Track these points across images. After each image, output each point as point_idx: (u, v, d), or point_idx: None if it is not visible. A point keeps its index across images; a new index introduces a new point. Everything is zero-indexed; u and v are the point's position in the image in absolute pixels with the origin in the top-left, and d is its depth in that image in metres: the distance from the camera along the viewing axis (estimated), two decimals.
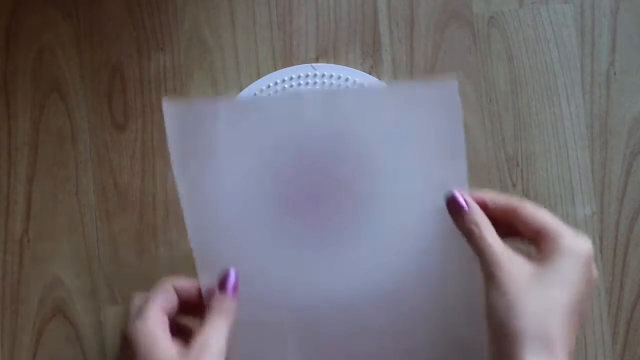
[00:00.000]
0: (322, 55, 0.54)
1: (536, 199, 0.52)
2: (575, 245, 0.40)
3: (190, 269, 0.44)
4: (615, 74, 0.54)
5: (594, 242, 0.52)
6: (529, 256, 0.41)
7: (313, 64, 0.53)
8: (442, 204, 0.44)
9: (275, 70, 0.53)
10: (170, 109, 0.46)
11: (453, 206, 0.43)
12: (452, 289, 0.46)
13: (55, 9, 0.53)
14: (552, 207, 0.52)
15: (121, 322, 0.51)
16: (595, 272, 0.41)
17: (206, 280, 0.45)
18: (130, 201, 0.52)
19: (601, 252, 0.52)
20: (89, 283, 0.51)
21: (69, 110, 0.52)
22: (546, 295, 0.38)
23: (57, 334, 0.51)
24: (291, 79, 0.53)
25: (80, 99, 0.53)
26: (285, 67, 0.53)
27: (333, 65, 0.53)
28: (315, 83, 0.53)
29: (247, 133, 0.47)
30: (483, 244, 0.41)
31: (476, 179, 0.53)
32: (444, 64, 0.53)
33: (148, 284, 0.51)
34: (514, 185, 0.53)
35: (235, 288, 0.43)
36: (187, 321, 0.44)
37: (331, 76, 0.53)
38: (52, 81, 0.52)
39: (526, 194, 0.53)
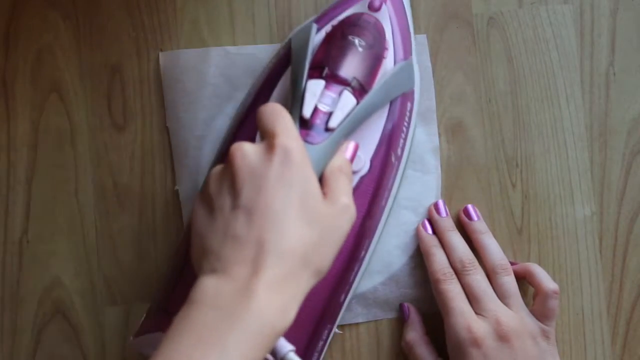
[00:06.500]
0: None
1: (535, 199, 0.52)
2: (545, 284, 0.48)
3: None
4: (614, 74, 0.54)
5: (593, 243, 0.52)
6: None
7: None
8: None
9: None
10: (165, 57, 0.52)
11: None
12: None
13: (55, 10, 0.53)
14: (551, 208, 0.52)
15: (121, 322, 0.51)
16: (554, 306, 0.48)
17: (185, 210, 0.51)
18: (129, 202, 0.52)
19: (600, 252, 0.52)
20: (88, 283, 0.51)
21: (69, 111, 0.52)
22: None
23: (56, 334, 0.51)
24: None
25: (80, 99, 0.52)
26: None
27: None
28: None
29: (234, 78, 0.51)
30: None
31: (476, 179, 0.53)
32: (444, 64, 0.53)
33: (148, 284, 0.51)
34: (514, 186, 0.53)
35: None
36: None
37: None
38: (51, 82, 0.52)
39: (525, 195, 0.52)
